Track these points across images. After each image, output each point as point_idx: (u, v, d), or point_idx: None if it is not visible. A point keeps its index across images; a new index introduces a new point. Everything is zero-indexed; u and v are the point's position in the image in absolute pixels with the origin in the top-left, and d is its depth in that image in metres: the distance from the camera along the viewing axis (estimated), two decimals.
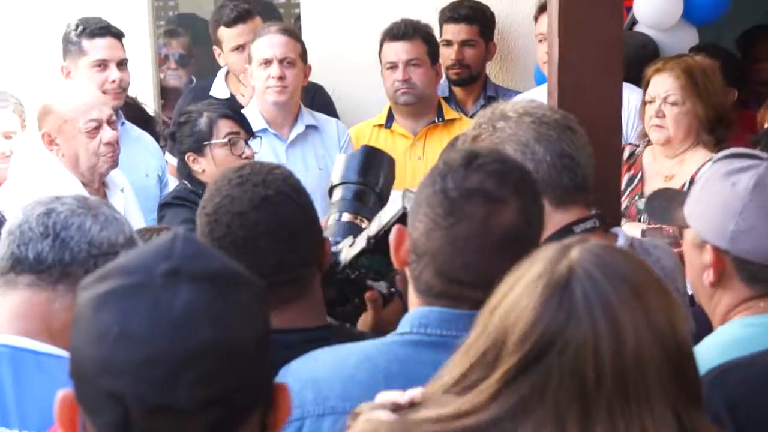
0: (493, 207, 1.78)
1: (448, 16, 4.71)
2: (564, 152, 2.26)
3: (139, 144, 4.30)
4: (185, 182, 3.80)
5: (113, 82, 4.12)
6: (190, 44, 5.56)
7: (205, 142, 3.72)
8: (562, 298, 1.40)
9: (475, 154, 1.84)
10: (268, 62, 4.14)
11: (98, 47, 4.14)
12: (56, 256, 1.87)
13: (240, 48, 4.56)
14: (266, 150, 4.19)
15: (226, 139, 3.72)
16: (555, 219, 2.25)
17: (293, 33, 4.28)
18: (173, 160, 4.41)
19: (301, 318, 2.06)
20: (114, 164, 3.75)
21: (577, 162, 2.27)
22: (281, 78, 4.14)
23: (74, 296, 1.76)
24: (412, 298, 1.86)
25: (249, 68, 4.24)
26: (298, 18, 6.32)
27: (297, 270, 2.08)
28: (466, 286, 1.78)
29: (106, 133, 3.67)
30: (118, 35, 4.20)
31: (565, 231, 2.25)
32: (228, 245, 2.04)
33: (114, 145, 3.69)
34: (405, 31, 4.38)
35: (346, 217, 2.44)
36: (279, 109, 4.23)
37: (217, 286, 1.18)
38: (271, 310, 1.94)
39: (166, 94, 5.38)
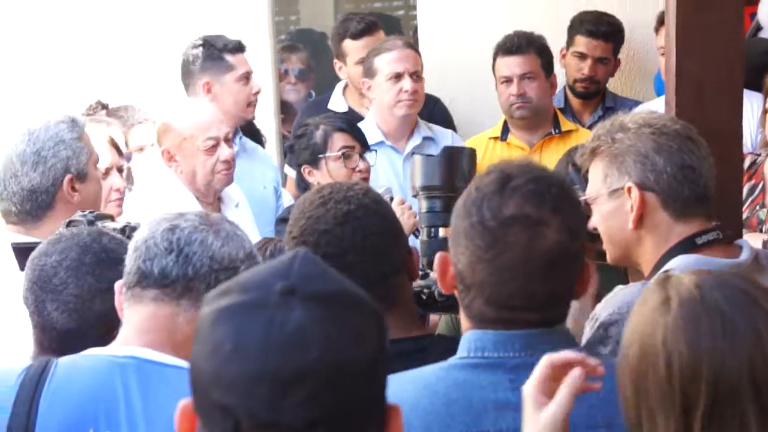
0: (535, 230, 1.75)
1: (588, 29, 4.66)
2: (685, 163, 2.23)
3: (255, 157, 4.41)
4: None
5: (256, 93, 4.23)
6: (309, 59, 5.64)
7: (320, 155, 3.80)
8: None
9: (507, 176, 1.79)
10: (398, 76, 4.21)
11: (242, 61, 4.26)
12: (180, 270, 1.92)
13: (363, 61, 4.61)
14: (383, 162, 4.23)
15: (339, 153, 3.77)
16: (676, 230, 2.23)
17: (415, 47, 4.35)
18: (291, 173, 4.50)
19: (395, 329, 2.06)
20: (229, 181, 3.84)
21: (698, 173, 2.24)
22: (415, 92, 4.20)
23: (197, 310, 1.83)
24: (465, 322, 1.85)
25: (367, 81, 4.28)
26: (415, 30, 6.37)
27: (386, 281, 2.10)
28: (518, 310, 1.77)
29: (224, 151, 3.76)
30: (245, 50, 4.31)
31: (687, 242, 2.23)
32: None
33: (230, 163, 3.78)
34: (519, 44, 4.38)
35: (442, 232, 2.42)
36: (403, 122, 4.28)
37: (330, 307, 1.21)
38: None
39: (285, 108, 5.47)
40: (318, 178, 3.80)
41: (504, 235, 1.75)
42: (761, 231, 3.76)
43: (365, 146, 3.87)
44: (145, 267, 1.93)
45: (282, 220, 3.92)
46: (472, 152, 2.45)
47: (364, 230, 2.11)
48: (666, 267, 2.20)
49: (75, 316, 2.16)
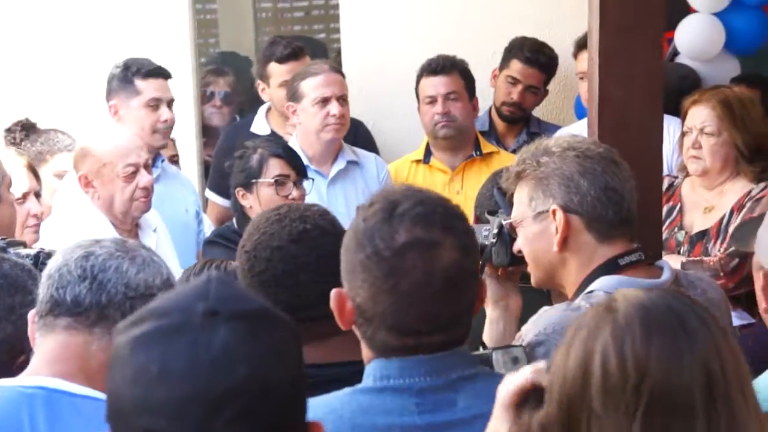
0: (430, 253, 1.74)
1: (525, 57, 4.71)
2: (608, 185, 2.25)
3: (177, 180, 4.35)
4: (233, 221, 3.86)
5: (165, 121, 4.16)
6: (235, 82, 5.58)
7: (254, 180, 3.78)
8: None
9: (393, 203, 1.77)
10: (326, 100, 4.20)
11: (152, 87, 4.19)
12: (93, 298, 1.88)
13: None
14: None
15: (272, 180, 3.76)
16: (600, 252, 2.25)
17: (341, 71, 4.36)
18: (212, 197, 4.45)
19: (341, 352, 2.06)
20: (148, 207, 3.79)
21: (621, 195, 2.27)
22: (342, 116, 4.20)
23: (111, 338, 1.78)
24: (367, 352, 1.83)
25: (293, 105, 4.27)
26: (338, 53, 6.37)
27: None
28: (422, 335, 1.77)
29: (143, 178, 3.71)
30: (167, 76, 4.25)
31: (611, 264, 2.24)
32: (268, 279, 2.07)
33: (149, 189, 3.74)
34: (443, 65, 4.43)
35: None
36: (329, 146, 4.27)
37: (253, 326, 1.21)
38: (311, 344, 1.96)
39: (209, 132, 5.41)
40: (250, 201, 3.79)
41: (401, 263, 1.73)
42: (679, 253, 3.82)
43: (301, 174, 3.84)
44: (58, 295, 1.89)
45: (209, 243, 3.87)
46: None
47: (318, 250, 2.09)
48: (589, 288, 2.22)
49: None
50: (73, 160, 3.82)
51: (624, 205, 2.27)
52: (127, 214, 3.74)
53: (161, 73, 4.23)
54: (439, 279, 1.74)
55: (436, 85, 4.41)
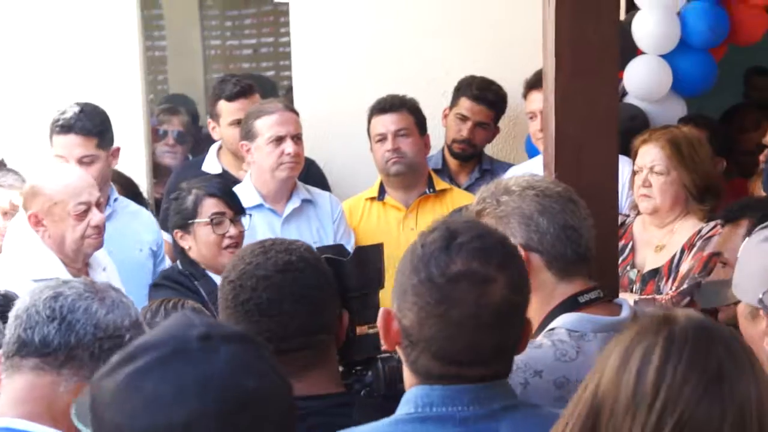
0: (482, 287, 1.77)
1: (474, 94, 4.77)
2: (567, 224, 2.29)
3: (136, 219, 4.31)
4: (177, 263, 3.83)
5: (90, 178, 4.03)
6: (189, 123, 5.55)
7: (190, 220, 3.76)
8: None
9: (453, 233, 1.82)
10: (280, 139, 4.20)
11: (58, 144, 4.16)
12: (62, 339, 1.87)
13: (238, 122, 4.59)
14: (262, 225, 4.21)
15: (209, 219, 3.74)
16: (560, 290, 2.28)
17: (295, 110, 4.37)
18: (166, 237, 4.41)
19: (319, 385, 2.08)
20: (99, 246, 3.76)
21: (579, 233, 2.30)
22: (297, 155, 4.21)
23: (79, 380, 1.76)
24: (409, 377, 1.85)
25: (247, 144, 4.26)
26: (287, 91, 6.38)
27: (317, 336, 2.10)
28: (464, 366, 1.78)
29: (95, 216, 3.69)
30: (86, 132, 4.18)
31: (570, 301, 2.27)
32: (252, 308, 2.08)
33: (101, 228, 3.71)
34: (392, 103, 4.47)
35: (359, 330, 2.35)
36: (283, 185, 4.27)
37: (246, 345, 1.29)
38: (290, 377, 1.97)
39: (159, 171, 5.38)
40: (189, 242, 3.77)
41: (452, 291, 1.77)
42: (631, 291, 3.86)
43: (238, 211, 3.83)
44: (26, 336, 1.88)
45: (156, 286, 3.83)
46: (380, 247, 2.46)
47: (303, 281, 2.11)
48: (551, 326, 2.24)
49: None
50: (23, 198, 3.77)
51: (582, 243, 2.31)
52: (79, 252, 3.71)
53: (72, 130, 4.16)
54: (489, 313, 1.77)
55: (385, 122, 4.44)
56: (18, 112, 5.06)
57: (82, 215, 3.67)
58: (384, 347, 1.89)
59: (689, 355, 1.42)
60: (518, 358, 1.90)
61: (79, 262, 3.73)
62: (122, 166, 4.51)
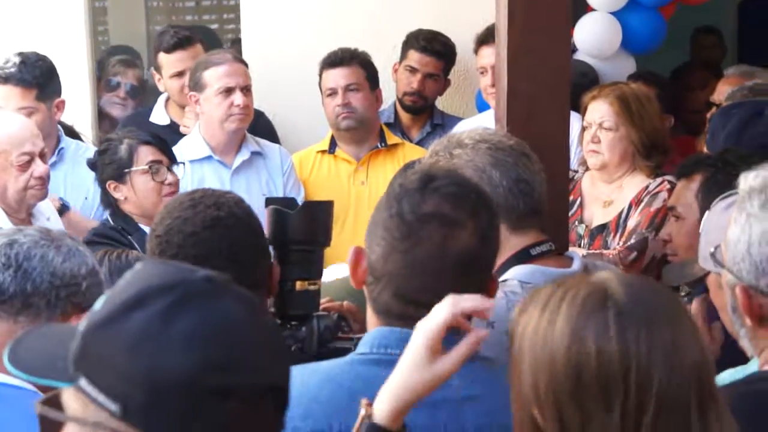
0: (450, 230, 1.79)
1: (421, 45, 4.76)
2: (520, 177, 2.30)
3: (80, 166, 4.24)
4: (107, 218, 3.76)
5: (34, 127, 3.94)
6: (142, 76, 5.46)
7: (126, 170, 3.68)
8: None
9: (430, 176, 1.84)
10: (229, 90, 4.15)
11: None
12: (18, 286, 1.85)
13: (179, 74, 4.54)
14: (211, 177, 4.19)
15: (147, 166, 3.68)
16: (512, 242, 2.29)
17: (244, 61, 4.32)
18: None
19: None
20: (43, 197, 3.71)
21: (532, 186, 2.32)
22: (246, 106, 4.17)
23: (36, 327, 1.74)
24: (371, 317, 1.87)
25: (195, 95, 4.22)
26: (233, 42, 6.31)
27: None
28: (422, 307, 1.78)
29: (38, 167, 3.63)
30: (24, 83, 4.12)
31: (523, 253, 2.29)
32: None
33: (44, 179, 3.65)
34: (342, 57, 4.44)
35: (298, 286, 2.35)
36: (232, 137, 4.23)
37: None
38: None
39: (107, 122, 5.30)
40: (124, 192, 3.69)
41: (419, 229, 1.79)
42: (579, 246, 3.90)
43: (173, 159, 3.78)
44: None
45: (88, 243, 3.75)
46: (330, 204, 2.45)
47: (231, 238, 2.08)
48: (503, 277, 2.26)
49: None
50: None
51: (534, 197, 2.33)
52: (22, 202, 3.65)
53: (8, 81, 4.12)
54: (452, 258, 1.78)
55: (336, 77, 4.41)
56: None
57: (25, 165, 3.61)
58: (353, 285, 1.89)
59: (644, 321, 1.43)
60: None
61: (22, 212, 3.68)
62: (67, 115, 4.45)
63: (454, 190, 1.83)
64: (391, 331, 1.83)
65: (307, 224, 2.32)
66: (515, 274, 2.26)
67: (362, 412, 1.62)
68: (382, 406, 1.61)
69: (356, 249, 1.87)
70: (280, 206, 2.31)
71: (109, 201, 3.76)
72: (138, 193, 3.67)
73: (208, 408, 1.19)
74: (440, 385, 1.63)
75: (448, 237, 1.79)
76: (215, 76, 4.16)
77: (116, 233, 3.65)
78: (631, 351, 1.40)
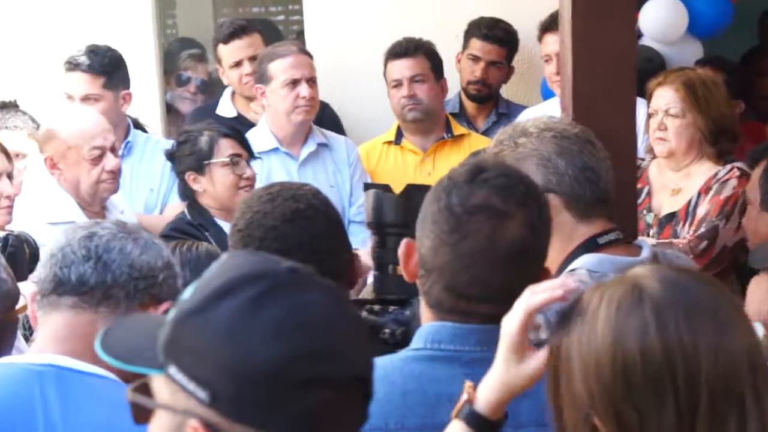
0: (499, 222, 1.78)
1: (483, 33, 4.75)
2: (586, 165, 2.29)
3: (147, 159, 4.33)
4: (184, 212, 3.79)
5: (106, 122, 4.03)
6: (211, 72, 5.53)
7: (206, 161, 3.73)
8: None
9: (479, 168, 1.83)
10: (295, 82, 4.19)
11: (66, 82, 4.25)
12: (98, 278, 1.89)
13: (237, 64, 4.58)
14: (278, 169, 4.23)
15: (227, 159, 3.72)
16: (579, 231, 2.29)
17: (309, 53, 4.35)
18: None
19: None
20: (114, 190, 3.79)
21: (598, 175, 2.31)
22: (312, 98, 4.20)
23: (115, 318, 1.79)
24: (425, 311, 1.87)
25: (262, 87, 4.26)
26: (299, 34, 6.35)
27: None
28: (473, 301, 1.80)
29: (110, 161, 3.70)
30: (93, 70, 4.23)
31: (590, 242, 2.29)
32: None
33: (116, 173, 3.72)
34: (408, 47, 4.45)
35: (397, 270, 2.34)
36: (299, 129, 4.27)
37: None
38: None
39: (176, 116, 5.37)
40: (203, 184, 3.75)
41: (468, 222, 1.78)
42: (648, 235, 3.87)
43: (251, 154, 3.83)
44: (62, 274, 1.90)
45: (165, 237, 3.79)
46: (429, 189, 2.47)
47: (311, 230, 2.11)
48: (571, 266, 2.26)
49: None
50: (39, 141, 3.79)
51: (601, 185, 2.31)
52: (95, 196, 3.74)
53: (78, 67, 4.23)
54: (502, 249, 1.77)
55: (401, 68, 4.42)
56: (31, 54, 5.06)
57: (97, 160, 3.69)
58: (406, 278, 1.90)
59: (683, 312, 1.42)
60: None
61: (95, 205, 3.76)
62: (135, 108, 4.53)
63: (503, 181, 1.81)
64: (443, 326, 1.83)
65: (406, 207, 2.32)
66: (584, 263, 2.25)
67: (464, 396, 1.61)
68: (484, 394, 1.60)
69: (408, 242, 1.87)
70: (379, 189, 2.33)
71: (186, 193, 3.81)
72: (216, 185, 3.71)
73: (295, 398, 1.20)
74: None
75: (497, 228, 1.77)
76: (281, 68, 4.19)
77: (193, 228, 3.69)
78: (673, 344, 1.40)
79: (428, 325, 1.85)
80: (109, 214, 3.80)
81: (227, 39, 4.63)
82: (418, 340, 1.85)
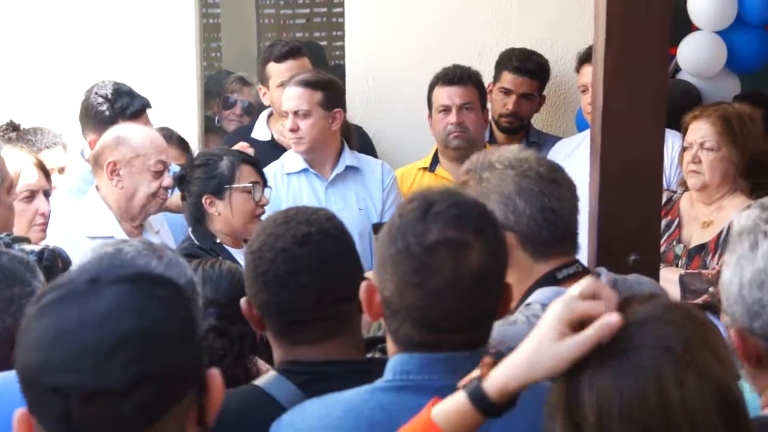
0: (460, 254, 1.78)
1: (515, 66, 4.75)
2: (545, 206, 2.28)
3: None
4: (192, 237, 3.75)
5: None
6: (257, 96, 5.61)
7: (226, 186, 3.72)
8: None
9: (428, 202, 1.82)
10: (287, 114, 4.22)
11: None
12: None
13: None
14: (306, 189, 4.24)
15: (249, 184, 3.73)
16: (537, 268, 2.29)
17: (312, 83, 4.25)
18: None
19: (341, 353, 2.10)
20: (160, 209, 3.82)
21: (558, 215, 2.29)
22: (293, 130, 4.20)
23: None
24: (391, 346, 1.87)
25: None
26: (340, 60, 6.41)
27: (337, 306, 2.10)
28: (444, 332, 1.80)
29: (167, 179, 3.74)
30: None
31: (549, 277, 2.28)
32: (271, 280, 2.10)
33: (167, 191, 3.76)
34: (460, 76, 4.45)
35: None
36: (306, 156, 4.28)
37: (136, 284, 1.35)
38: (306, 345, 1.97)
39: (213, 137, 5.45)
40: (220, 208, 3.72)
41: (430, 260, 1.78)
42: (677, 266, 3.86)
43: (265, 182, 3.85)
44: None
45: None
46: None
47: (321, 253, 2.12)
48: (527, 301, 2.25)
49: None
50: (100, 145, 3.77)
51: (560, 225, 2.29)
52: (144, 208, 3.74)
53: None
54: (467, 279, 1.78)
55: (451, 95, 4.42)
56: (74, 81, 5.11)
57: (159, 174, 3.72)
58: (369, 319, 1.89)
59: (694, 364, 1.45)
60: (493, 335, 1.90)
61: (137, 219, 3.75)
62: (176, 129, 4.59)
63: (455, 212, 1.80)
64: (411, 357, 1.82)
65: None
66: (538, 297, 2.24)
67: (477, 371, 1.59)
68: (498, 375, 1.57)
69: (368, 285, 1.86)
70: None
71: (198, 216, 3.77)
72: (234, 210, 3.71)
73: (48, 406, 1.30)
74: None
75: (459, 261, 1.77)
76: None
77: (203, 252, 3.61)
78: (668, 389, 1.43)
79: (396, 356, 1.85)
80: (144, 233, 3.80)
81: (281, 58, 4.65)
82: (387, 372, 1.85)
